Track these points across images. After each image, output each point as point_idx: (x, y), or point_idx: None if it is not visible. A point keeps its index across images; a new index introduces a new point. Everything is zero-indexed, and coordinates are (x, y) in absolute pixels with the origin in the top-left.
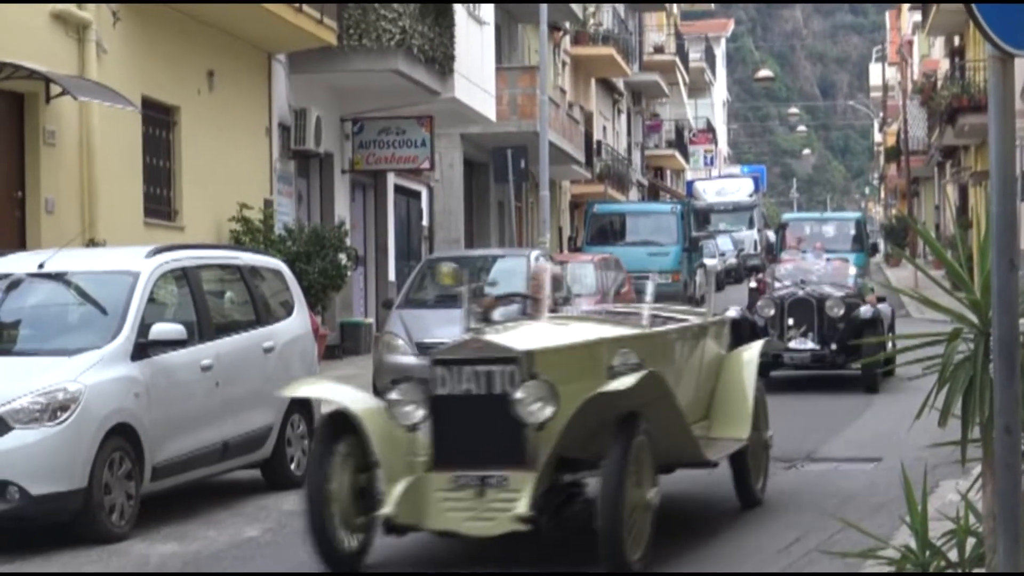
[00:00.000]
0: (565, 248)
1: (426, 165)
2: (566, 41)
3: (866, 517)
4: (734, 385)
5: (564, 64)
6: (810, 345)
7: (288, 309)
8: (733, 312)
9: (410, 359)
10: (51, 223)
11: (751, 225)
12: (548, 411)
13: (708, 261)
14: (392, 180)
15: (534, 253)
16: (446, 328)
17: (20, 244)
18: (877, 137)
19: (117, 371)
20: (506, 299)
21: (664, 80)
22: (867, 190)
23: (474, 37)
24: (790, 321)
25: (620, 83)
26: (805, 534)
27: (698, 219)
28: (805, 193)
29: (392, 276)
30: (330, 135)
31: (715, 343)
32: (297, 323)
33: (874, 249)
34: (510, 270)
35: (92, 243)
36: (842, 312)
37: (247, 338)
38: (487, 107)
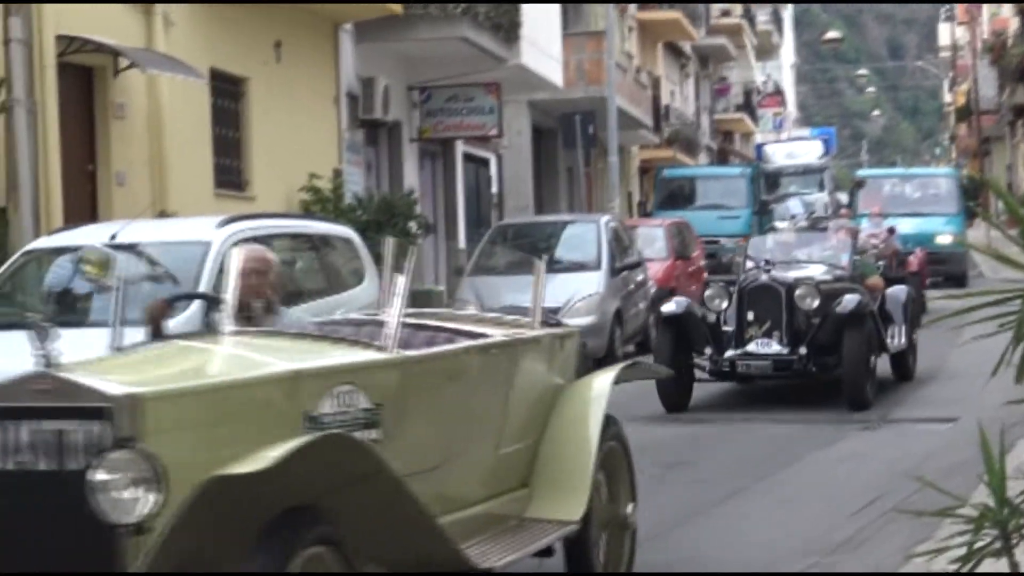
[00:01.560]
0: (635, 213)
1: (494, 132)
2: (632, 6)
3: (943, 477)
4: (566, 435)
5: (631, 29)
6: (774, 348)
7: (359, 277)
8: (674, 306)
9: None
10: (122, 195)
11: (821, 187)
12: (149, 503)
13: (779, 224)
14: (460, 148)
15: (604, 219)
16: (518, 294)
17: (92, 217)
18: (947, 97)
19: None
20: (185, 300)
21: (732, 43)
22: (937, 151)
23: (540, 3)
24: (750, 316)
25: (687, 47)
26: (881, 495)
27: (768, 182)
28: (875, 154)
29: (462, 244)
30: (398, 104)
31: (544, 370)
32: (368, 292)
33: (971, 212)
34: (579, 236)
35: (163, 214)
36: (817, 303)
37: (318, 307)
38: (554, 73)
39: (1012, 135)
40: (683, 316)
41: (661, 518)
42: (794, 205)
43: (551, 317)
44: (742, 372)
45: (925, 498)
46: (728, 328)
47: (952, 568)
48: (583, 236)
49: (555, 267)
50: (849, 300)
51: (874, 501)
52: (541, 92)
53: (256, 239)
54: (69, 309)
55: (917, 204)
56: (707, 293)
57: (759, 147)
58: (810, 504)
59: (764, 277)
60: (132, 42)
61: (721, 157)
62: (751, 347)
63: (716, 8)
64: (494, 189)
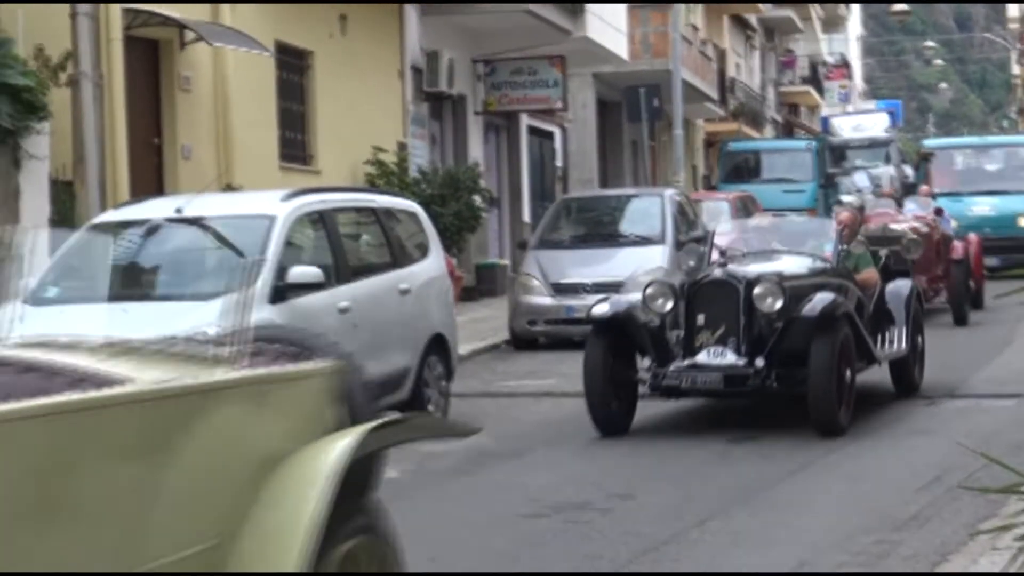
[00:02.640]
0: (700, 186)
1: (559, 105)
2: None
3: (1009, 454)
4: (265, 535)
5: (696, 1)
6: (728, 358)
7: (424, 251)
8: (606, 308)
9: (546, 300)
10: (188, 169)
11: (888, 161)
12: None
13: (845, 198)
14: (525, 121)
15: (668, 192)
16: (582, 268)
17: (158, 190)
18: (1015, 69)
19: (256, 314)
20: None
21: (798, 15)
22: (1005, 123)
23: None
24: (700, 319)
25: (753, 19)
26: (946, 471)
27: (834, 155)
28: (941, 128)
29: (527, 217)
30: (463, 77)
31: (231, 434)
32: (433, 265)
33: None
34: (644, 210)
35: (229, 188)
36: (780, 304)
37: (383, 280)
38: (619, 46)
39: None
40: (618, 320)
41: (726, 493)
42: (860, 178)
43: (289, 347)
44: (686, 388)
45: (991, 475)
46: (677, 333)
47: (1017, 545)
48: (647, 210)
49: (619, 241)
50: (819, 300)
51: (939, 477)
52: (606, 65)
53: (320, 213)
54: (135, 283)
55: (996, 179)
56: (648, 291)
57: (825, 120)
58: (875, 480)
59: (718, 272)
60: (198, 15)
61: (787, 130)
62: (700, 357)
63: None
64: (558, 162)
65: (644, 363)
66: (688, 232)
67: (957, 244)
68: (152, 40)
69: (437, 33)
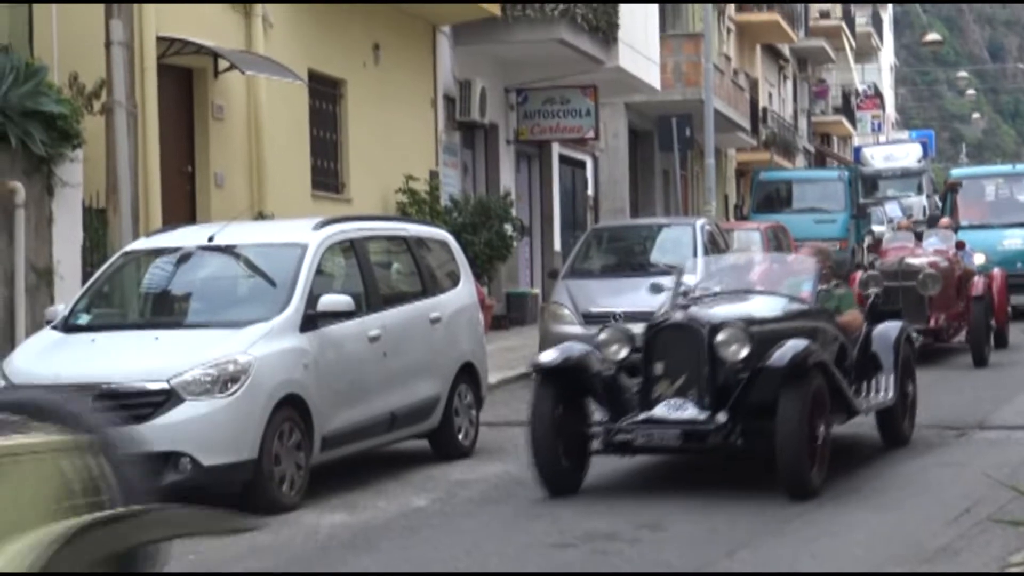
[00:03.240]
0: (731, 216)
1: (591, 135)
2: (730, 8)
3: None
4: None
5: (729, 31)
6: (688, 412)
7: (454, 280)
8: (555, 355)
9: (576, 328)
10: (220, 196)
11: (920, 191)
12: None
13: (876, 228)
14: (557, 150)
15: (700, 222)
16: (612, 298)
17: (191, 217)
18: None
19: (286, 343)
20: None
21: (830, 45)
22: None
23: (638, 5)
24: (658, 368)
25: (786, 49)
26: (976, 503)
27: (866, 185)
28: (975, 158)
29: (558, 246)
30: (495, 106)
31: None
32: (464, 293)
33: None
34: (675, 239)
35: (261, 216)
36: (745, 352)
37: (414, 309)
38: (651, 75)
39: None
40: (569, 369)
41: (753, 523)
42: (892, 209)
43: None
44: (640, 444)
45: (1022, 507)
46: (634, 383)
47: None
48: (679, 239)
49: (650, 270)
50: (788, 348)
51: (969, 509)
52: (638, 94)
53: (351, 241)
54: (167, 310)
55: None
56: (601, 337)
57: (857, 150)
58: (905, 511)
59: (679, 315)
60: (232, 44)
61: (819, 160)
62: (658, 410)
63: (815, 9)
64: (590, 191)
65: (596, 415)
66: None
67: (977, 280)
68: (186, 68)
69: (470, 62)
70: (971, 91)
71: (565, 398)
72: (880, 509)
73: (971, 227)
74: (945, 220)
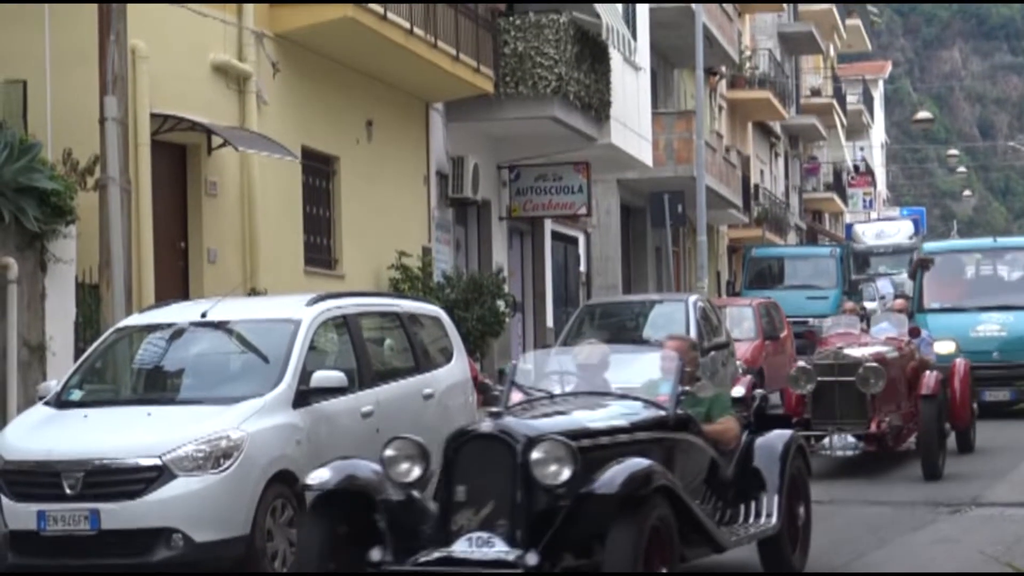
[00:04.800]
0: (724, 292)
1: (583, 211)
2: (722, 85)
3: None
4: None
5: (721, 108)
6: (495, 549)
7: (447, 356)
8: (327, 475)
9: None
10: (213, 272)
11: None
12: None
13: (868, 304)
14: (549, 226)
15: (692, 298)
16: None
17: (183, 294)
18: None
19: (279, 419)
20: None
21: (821, 123)
22: None
23: (630, 82)
24: (460, 492)
25: (777, 126)
26: None
27: (857, 262)
28: (966, 235)
29: (550, 322)
30: (487, 182)
31: None
32: (456, 370)
33: None
34: (668, 315)
35: (254, 292)
36: (567, 474)
37: (407, 385)
38: (644, 152)
39: None
40: (346, 494)
41: None
42: (883, 285)
43: None
44: None
45: None
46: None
47: None
48: (671, 315)
49: (643, 347)
50: (621, 470)
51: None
52: (630, 171)
53: (344, 317)
54: (160, 386)
55: (1011, 291)
56: (388, 452)
57: (849, 227)
58: None
59: (487, 425)
60: (225, 121)
61: (810, 236)
62: (458, 547)
63: (806, 87)
64: (582, 267)
65: (376, 554)
66: (712, 338)
67: (929, 375)
68: (179, 145)
69: (463, 139)
70: (962, 168)
71: (346, 529)
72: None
73: (941, 310)
74: (899, 302)
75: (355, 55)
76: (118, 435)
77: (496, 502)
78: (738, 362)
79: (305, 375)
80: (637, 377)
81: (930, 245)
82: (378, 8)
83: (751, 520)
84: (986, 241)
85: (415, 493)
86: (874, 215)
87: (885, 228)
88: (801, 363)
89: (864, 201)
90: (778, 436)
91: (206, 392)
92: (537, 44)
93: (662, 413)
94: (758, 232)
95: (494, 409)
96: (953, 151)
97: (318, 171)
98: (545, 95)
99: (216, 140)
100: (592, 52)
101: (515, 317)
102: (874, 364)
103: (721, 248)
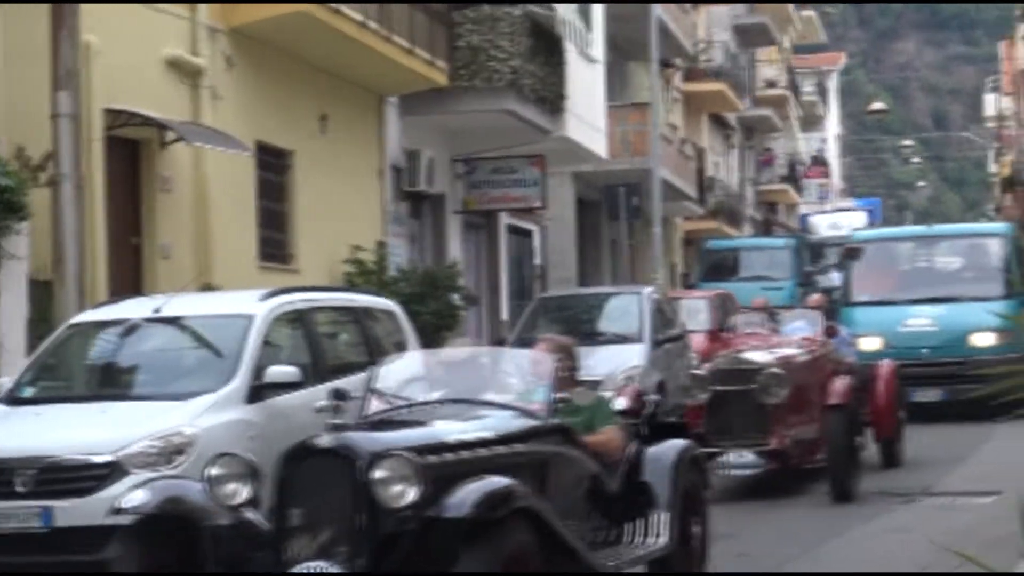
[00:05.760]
0: (678, 285)
1: (538, 204)
2: (677, 77)
3: (985, 552)
4: None
5: (676, 100)
6: None
7: (401, 350)
8: (143, 498)
9: None
10: (167, 268)
11: None
12: None
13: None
14: (504, 220)
15: (647, 290)
16: None
17: (136, 289)
18: (992, 168)
19: (232, 414)
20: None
21: (776, 115)
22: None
23: (584, 75)
24: (295, 516)
25: (732, 118)
26: (922, 570)
27: (812, 253)
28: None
29: (505, 315)
30: (442, 176)
31: None
32: None
33: None
34: (622, 308)
35: (207, 287)
36: (413, 496)
37: (361, 379)
38: (598, 145)
39: None
40: (162, 518)
41: None
42: (838, 276)
43: None
44: None
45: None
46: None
47: None
48: (626, 308)
49: (597, 339)
50: (473, 490)
51: (917, 572)
52: (585, 164)
53: (298, 312)
54: (113, 382)
55: (946, 282)
56: (212, 471)
57: (803, 218)
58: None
59: (326, 440)
60: (179, 115)
61: (765, 228)
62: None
63: (761, 79)
64: (537, 261)
65: None
66: (666, 331)
67: (837, 383)
68: (133, 140)
69: (417, 132)
70: (916, 159)
71: (173, 557)
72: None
73: (870, 303)
74: (815, 297)
75: (309, 49)
76: (71, 432)
77: (335, 526)
78: (692, 355)
79: (259, 370)
80: (512, 382)
81: (860, 233)
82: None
83: (639, 540)
84: (920, 229)
85: (251, 515)
86: (829, 206)
87: (839, 219)
88: (696, 370)
89: (819, 192)
90: (671, 446)
91: (159, 388)
92: (491, 37)
93: (535, 423)
94: (713, 224)
95: (337, 421)
96: (908, 142)
97: (272, 165)
98: (500, 88)
99: (169, 135)
100: (547, 45)
101: (470, 310)
102: (775, 370)
103: (676, 240)
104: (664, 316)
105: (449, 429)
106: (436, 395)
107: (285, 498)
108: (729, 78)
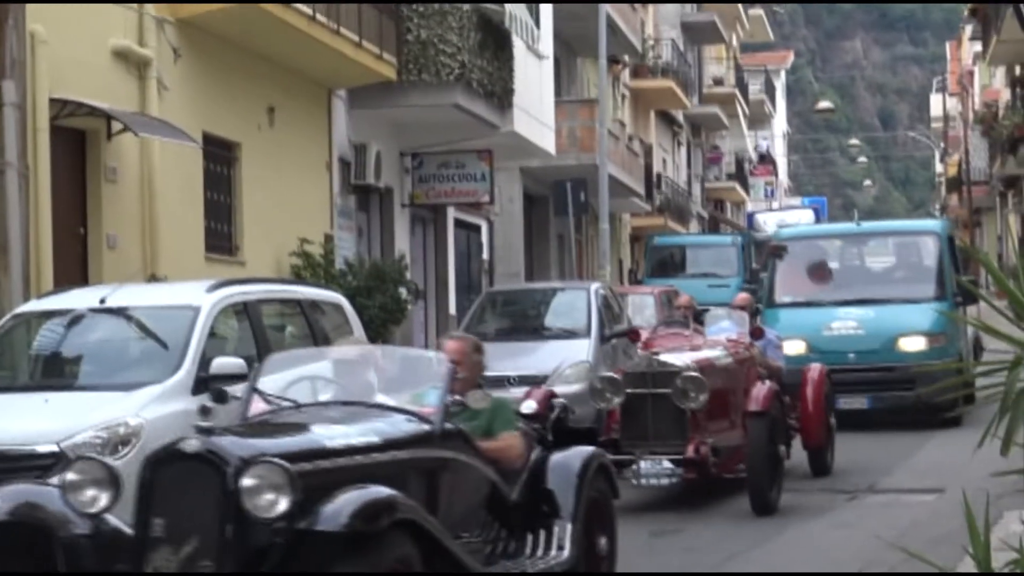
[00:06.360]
0: (626, 281)
1: (486, 199)
2: (625, 74)
3: (929, 548)
4: None
5: (624, 97)
6: None
7: None
8: None
9: None
10: (113, 259)
11: None
12: None
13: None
14: (452, 214)
15: (594, 286)
16: (506, 361)
17: (82, 280)
18: (938, 168)
19: (178, 405)
20: None
21: (724, 112)
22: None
23: (533, 71)
24: (157, 526)
25: (680, 115)
26: (867, 565)
27: (759, 251)
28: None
29: (453, 310)
30: (390, 169)
31: None
32: None
33: (967, 292)
34: (569, 303)
35: (154, 278)
36: (285, 505)
37: (307, 372)
38: (546, 140)
39: (1003, 206)
40: (19, 525)
41: None
42: None
43: None
44: None
45: (911, 569)
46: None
47: None
48: (573, 303)
49: (545, 334)
50: (349, 500)
51: (860, 571)
52: (533, 159)
53: (245, 304)
54: (57, 372)
55: (875, 282)
56: (68, 476)
57: (750, 216)
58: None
59: (192, 443)
60: (125, 106)
61: (712, 225)
62: None
63: (709, 77)
64: (485, 255)
65: None
66: (613, 326)
67: (759, 388)
68: (79, 130)
69: (365, 126)
70: (863, 158)
71: (31, 568)
72: (771, 571)
73: (793, 304)
74: (741, 296)
75: (257, 41)
76: (14, 422)
77: (201, 538)
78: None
79: (204, 362)
80: (405, 383)
81: (785, 231)
82: None
83: (540, 553)
84: (848, 226)
85: (113, 522)
86: (776, 204)
87: (786, 217)
88: (609, 372)
89: (766, 190)
90: (576, 453)
91: (104, 379)
92: (440, 31)
93: (426, 427)
94: (660, 221)
95: (204, 424)
96: (854, 141)
97: (219, 157)
98: (448, 82)
99: (116, 125)
100: (495, 40)
101: (417, 305)
102: (694, 374)
103: (624, 236)
104: (611, 311)
105: (331, 433)
106: (323, 397)
107: (148, 506)
108: (677, 75)
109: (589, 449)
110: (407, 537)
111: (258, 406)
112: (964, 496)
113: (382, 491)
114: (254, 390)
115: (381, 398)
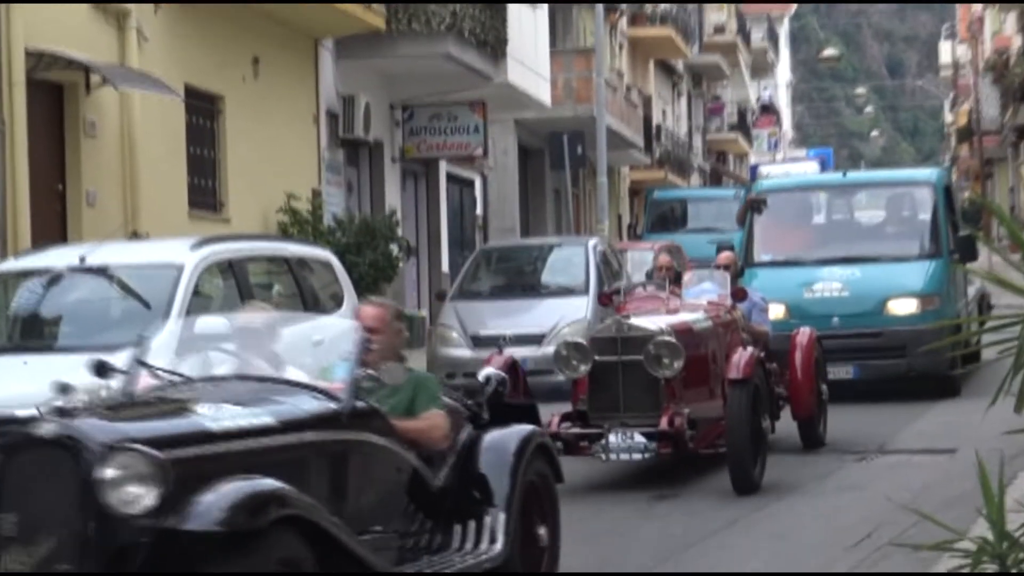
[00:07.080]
0: (624, 236)
1: (479, 152)
2: (623, 22)
3: (941, 509)
4: None
5: (621, 46)
6: None
7: (338, 301)
8: None
9: (465, 352)
10: (93, 216)
11: None
12: None
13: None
14: (444, 168)
15: (592, 241)
16: (502, 320)
17: (61, 238)
18: (948, 117)
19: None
20: None
21: (725, 61)
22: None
23: (527, 19)
24: (7, 524)
25: (680, 65)
26: (877, 528)
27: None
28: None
29: (445, 267)
30: (380, 122)
31: None
32: (346, 316)
33: (966, 248)
34: (567, 259)
35: (135, 236)
36: (153, 499)
37: (296, 331)
38: (542, 91)
39: (1015, 156)
40: None
41: (651, 552)
42: None
43: None
44: None
45: (923, 531)
46: None
47: None
48: (570, 259)
49: (541, 292)
50: (224, 494)
51: (871, 534)
52: (528, 111)
53: (230, 262)
54: (36, 334)
55: (862, 239)
56: None
57: (753, 168)
58: (806, 537)
59: (49, 427)
60: (105, 58)
61: (714, 178)
62: None
63: (709, 25)
64: (479, 211)
65: None
66: (612, 283)
67: (740, 355)
68: (57, 84)
69: (353, 77)
70: (869, 108)
71: None
72: (779, 536)
73: (773, 264)
74: (724, 255)
75: None
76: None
77: (58, 536)
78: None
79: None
80: (313, 355)
81: (765, 182)
82: None
83: (469, 546)
84: (833, 177)
85: None
86: (780, 156)
87: (790, 169)
88: (572, 340)
89: (769, 142)
90: (512, 433)
91: (85, 340)
92: None
93: (332, 406)
94: (660, 174)
95: (63, 404)
96: (860, 90)
97: (202, 110)
98: (439, 32)
99: (95, 78)
100: None
101: (409, 262)
102: (668, 339)
103: (622, 190)
104: (610, 268)
105: (218, 414)
106: (218, 371)
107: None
108: (676, 23)
109: (527, 428)
110: (295, 535)
111: (143, 381)
112: (977, 456)
113: (265, 483)
114: (139, 362)
115: (293, 372)
